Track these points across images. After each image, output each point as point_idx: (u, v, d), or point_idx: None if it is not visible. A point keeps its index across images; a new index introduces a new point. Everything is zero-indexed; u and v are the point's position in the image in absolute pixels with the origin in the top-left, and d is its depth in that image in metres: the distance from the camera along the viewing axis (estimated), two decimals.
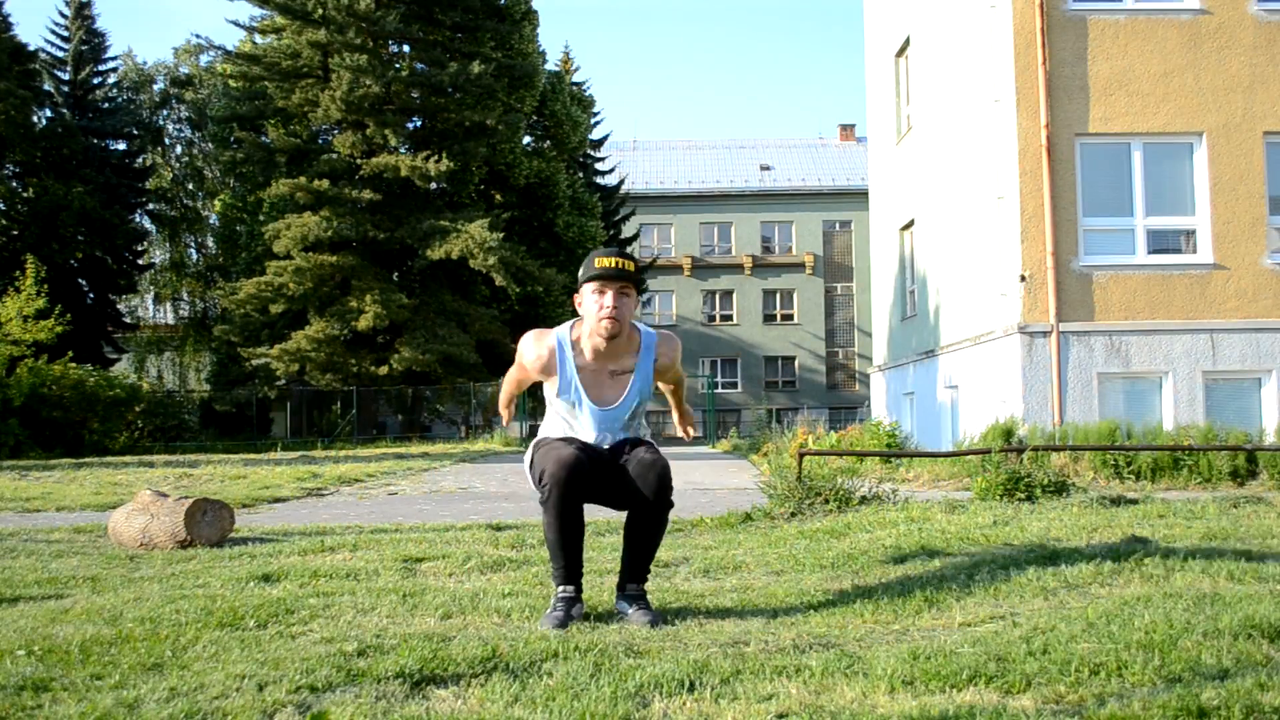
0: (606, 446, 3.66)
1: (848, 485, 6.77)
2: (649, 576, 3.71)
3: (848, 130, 52.61)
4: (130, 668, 2.83)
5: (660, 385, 3.91)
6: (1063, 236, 11.85)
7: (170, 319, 44.69)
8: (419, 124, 29.16)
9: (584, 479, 3.49)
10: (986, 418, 12.07)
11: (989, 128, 12.67)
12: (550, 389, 3.70)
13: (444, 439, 28.52)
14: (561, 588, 3.54)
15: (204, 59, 40.29)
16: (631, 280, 3.54)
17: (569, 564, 3.53)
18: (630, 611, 3.52)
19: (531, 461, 3.68)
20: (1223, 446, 8.92)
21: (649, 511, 3.57)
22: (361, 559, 4.81)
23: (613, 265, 3.49)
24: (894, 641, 3.10)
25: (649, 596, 3.67)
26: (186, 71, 41.04)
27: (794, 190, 47.27)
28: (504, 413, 4.46)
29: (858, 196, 42.94)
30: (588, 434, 3.65)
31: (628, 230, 41.09)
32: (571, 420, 3.68)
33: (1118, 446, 9.05)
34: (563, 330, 3.66)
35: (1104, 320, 11.83)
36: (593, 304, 3.52)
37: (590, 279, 3.52)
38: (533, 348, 3.65)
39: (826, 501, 6.55)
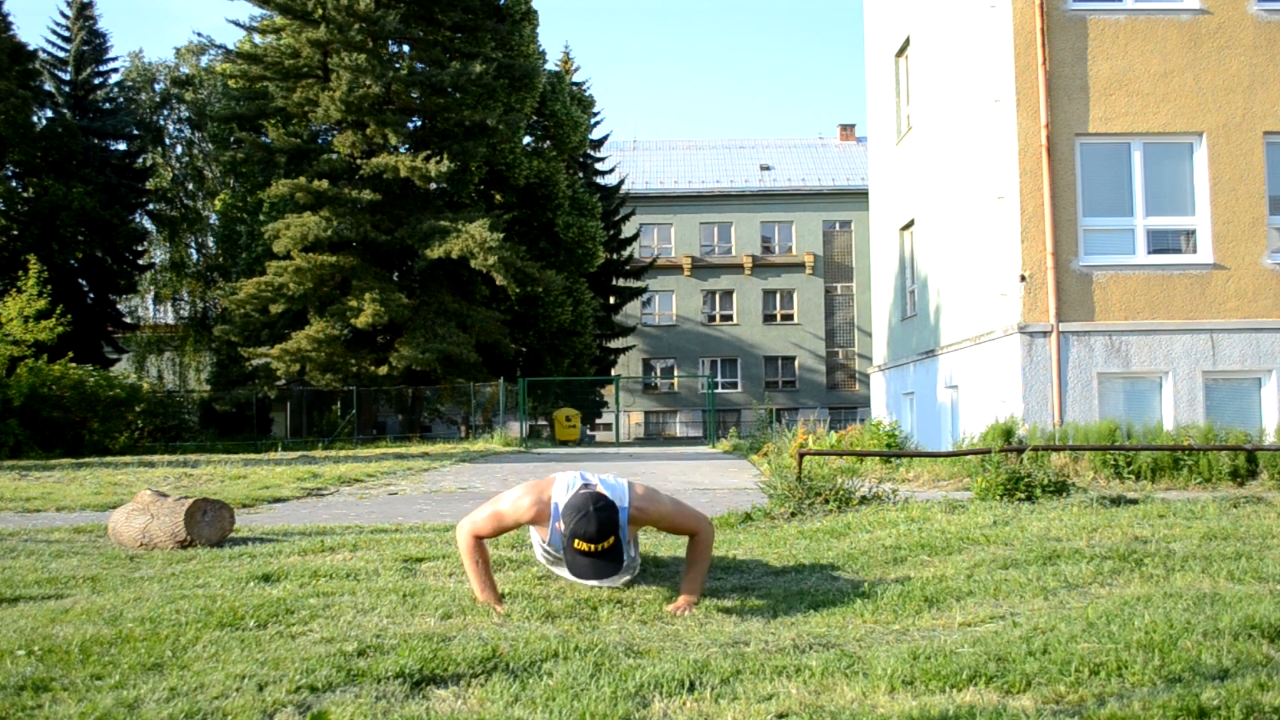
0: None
1: (848, 485, 6.77)
2: None
3: (848, 130, 52.59)
4: (130, 668, 2.83)
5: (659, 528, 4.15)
6: (1063, 236, 11.85)
7: (170, 319, 44.66)
8: (419, 124, 29.14)
9: None
10: (986, 418, 12.07)
11: (989, 128, 12.67)
12: (538, 535, 4.05)
13: (444, 439, 28.50)
14: None
15: (204, 59, 40.28)
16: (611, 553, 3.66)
17: None
18: None
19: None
20: (1223, 446, 8.91)
21: None
22: (361, 559, 4.81)
23: (591, 550, 3.59)
24: (894, 641, 3.09)
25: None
26: (187, 71, 41.03)
27: (794, 190, 47.26)
28: (498, 606, 3.81)
29: (858, 196, 42.91)
30: (569, 577, 4.04)
31: (628, 230, 41.08)
32: (554, 564, 4.11)
33: (1118, 446, 9.04)
34: (560, 500, 3.80)
35: (1104, 320, 11.83)
36: (570, 565, 3.70)
37: (570, 555, 3.66)
38: (533, 497, 3.86)
39: (826, 501, 6.54)
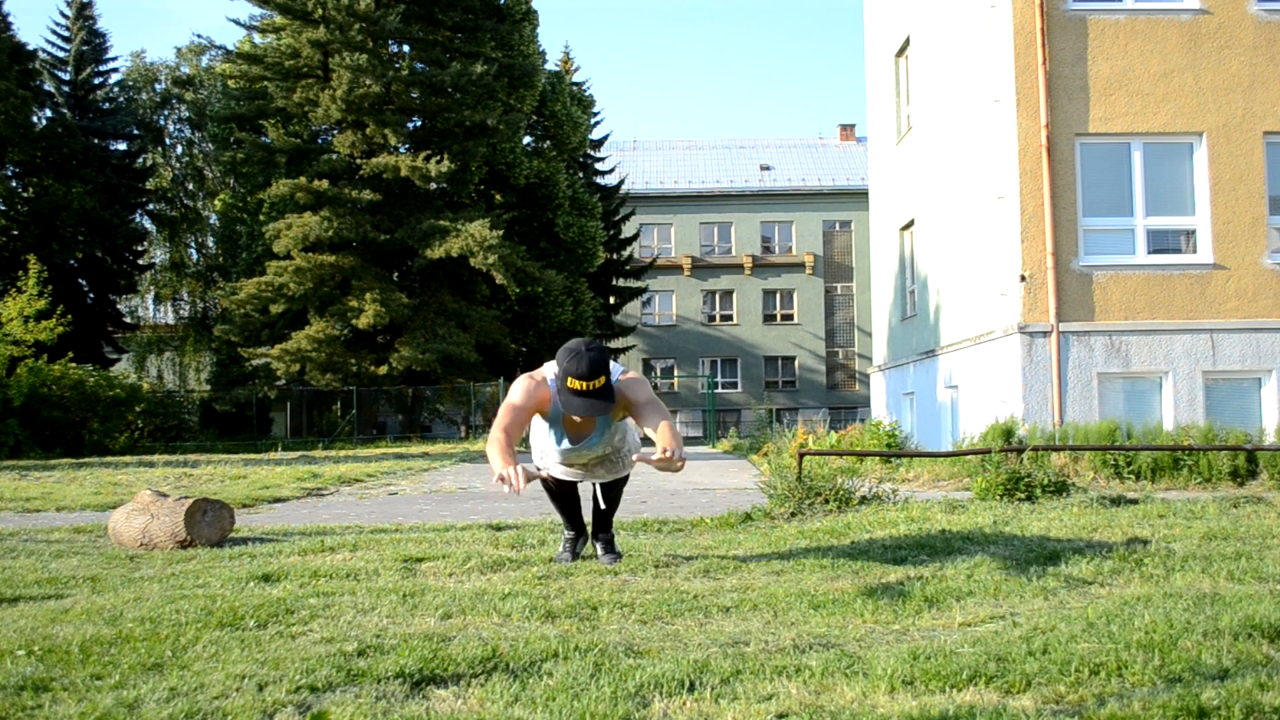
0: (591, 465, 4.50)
1: (848, 485, 6.77)
2: (612, 528, 4.88)
3: (848, 130, 52.58)
4: (130, 668, 2.83)
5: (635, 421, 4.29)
6: (1063, 236, 11.85)
7: (170, 319, 44.69)
8: (419, 124, 29.15)
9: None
10: (986, 418, 12.07)
11: (989, 128, 12.67)
12: (539, 426, 4.40)
13: (444, 439, 28.51)
14: (567, 532, 4.81)
15: (204, 59, 40.29)
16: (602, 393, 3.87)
17: (570, 520, 4.77)
18: (599, 553, 4.71)
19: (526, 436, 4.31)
20: (1223, 446, 8.91)
21: (605, 500, 4.70)
22: (361, 559, 4.81)
23: (584, 388, 3.82)
24: (894, 641, 3.10)
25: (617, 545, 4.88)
26: (187, 71, 41.04)
27: (794, 190, 47.26)
28: (516, 476, 3.65)
29: (858, 196, 42.91)
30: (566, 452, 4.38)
31: (628, 230, 41.07)
32: (552, 442, 4.33)
33: (1118, 446, 9.04)
34: (551, 377, 4.12)
35: (1104, 320, 11.83)
36: (565, 405, 3.93)
37: (564, 395, 3.88)
38: (533, 392, 4.07)
39: (826, 501, 6.54)
